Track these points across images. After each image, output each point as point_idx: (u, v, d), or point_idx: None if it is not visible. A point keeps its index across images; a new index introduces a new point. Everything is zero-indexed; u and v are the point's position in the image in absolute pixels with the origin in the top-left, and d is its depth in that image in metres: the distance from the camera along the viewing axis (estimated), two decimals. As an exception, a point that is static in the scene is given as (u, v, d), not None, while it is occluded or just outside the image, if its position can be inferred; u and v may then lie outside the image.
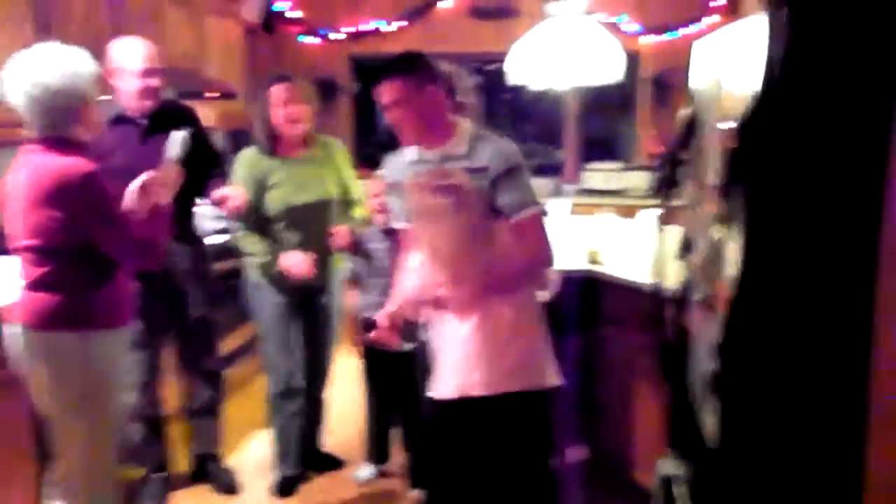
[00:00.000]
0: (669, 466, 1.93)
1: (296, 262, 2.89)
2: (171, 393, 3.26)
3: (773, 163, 1.27)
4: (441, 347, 2.20)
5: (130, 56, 2.76)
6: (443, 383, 2.16)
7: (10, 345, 2.25)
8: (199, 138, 2.98)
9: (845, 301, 1.30)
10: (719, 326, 1.40)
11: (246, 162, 2.99)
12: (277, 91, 2.89)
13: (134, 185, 2.31)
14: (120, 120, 2.81)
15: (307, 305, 3.12)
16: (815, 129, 1.26)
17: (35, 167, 2.11)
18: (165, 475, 3.18)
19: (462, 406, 2.13)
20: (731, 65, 1.49)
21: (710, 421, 1.45)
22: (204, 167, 3.04)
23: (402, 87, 2.14)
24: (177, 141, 2.49)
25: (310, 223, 3.00)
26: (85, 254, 2.17)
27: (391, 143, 2.48)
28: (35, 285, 2.18)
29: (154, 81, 2.80)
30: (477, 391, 2.10)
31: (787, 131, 1.26)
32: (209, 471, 3.27)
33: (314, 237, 3.00)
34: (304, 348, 3.16)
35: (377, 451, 3.32)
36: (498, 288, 2.11)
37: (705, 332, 1.53)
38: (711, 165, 1.58)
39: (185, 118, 2.97)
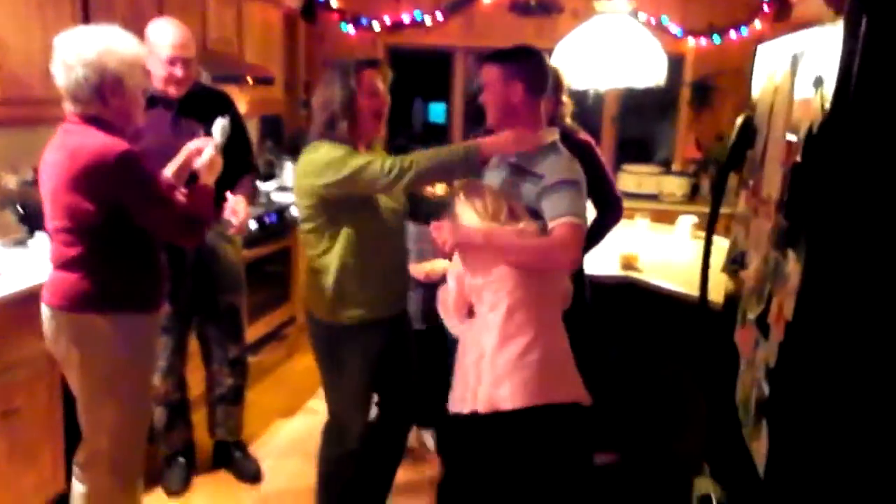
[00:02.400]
0: (706, 486, 1.87)
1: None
2: (195, 378, 3.25)
3: (844, 181, 1.20)
4: (467, 360, 2.14)
5: (160, 42, 2.72)
6: (471, 397, 2.10)
7: (44, 324, 2.24)
8: (235, 125, 2.86)
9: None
10: (774, 350, 1.33)
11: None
12: (371, 77, 2.33)
13: (174, 163, 2.36)
14: (151, 102, 2.69)
15: (402, 343, 2.61)
16: (889, 149, 1.18)
17: (69, 148, 2.08)
18: (188, 460, 3.18)
19: (490, 420, 2.07)
20: (801, 75, 1.42)
21: (758, 447, 1.39)
22: (237, 156, 2.95)
23: (497, 72, 2.22)
24: (218, 127, 2.45)
25: (399, 238, 2.55)
26: (115, 236, 2.14)
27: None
28: (64, 266, 2.16)
29: (180, 70, 2.75)
30: (507, 405, 2.03)
31: (860, 147, 1.19)
32: (232, 458, 3.27)
33: (403, 253, 2.59)
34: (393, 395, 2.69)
35: None
36: (507, 254, 2.07)
37: (757, 354, 1.47)
38: (771, 178, 1.51)
39: (217, 103, 2.95)
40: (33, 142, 2.26)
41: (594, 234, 2.77)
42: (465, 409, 2.10)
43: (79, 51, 2.07)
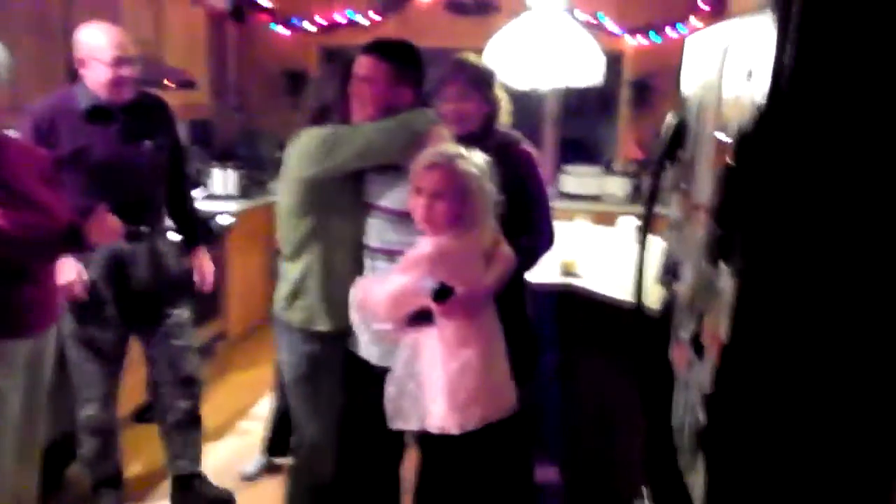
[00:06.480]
0: (645, 511, 1.75)
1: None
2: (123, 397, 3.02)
3: (779, 185, 1.07)
4: (433, 378, 1.99)
5: (100, 43, 2.55)
6: (464, 413, 1.97)
7: None
8: (174, 142, 2.87)
9: (863, 356, 1.10)
10: (709, 374, 1.20)
11: None
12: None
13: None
14: (97, 113, 2.59)
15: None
16: (828, 148, 1.06)
17: None
18: (119, 489, 2.96)
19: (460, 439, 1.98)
20: (730, 68, 1.30)
21: (695, 480, 1.26)
22: (176, 176, 2.90)
23: (386, 70, 2.12)
24: None
25: None
26: None
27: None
28: None
29: (127, 71, 2.58)
30: (474, 425, 1.96)
31: (795, 149, 1.06)
32: (195, 490, 2.97)
33: None
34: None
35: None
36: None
37: (692, 375, 1.34)
38: (703, 182, 1.39)
39: (161, 112, 2.82)
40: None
41: (525, 260, 2.48)
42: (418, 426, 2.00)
43: None
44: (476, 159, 1.99)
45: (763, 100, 1.05)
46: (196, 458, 3.00)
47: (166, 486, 3.11)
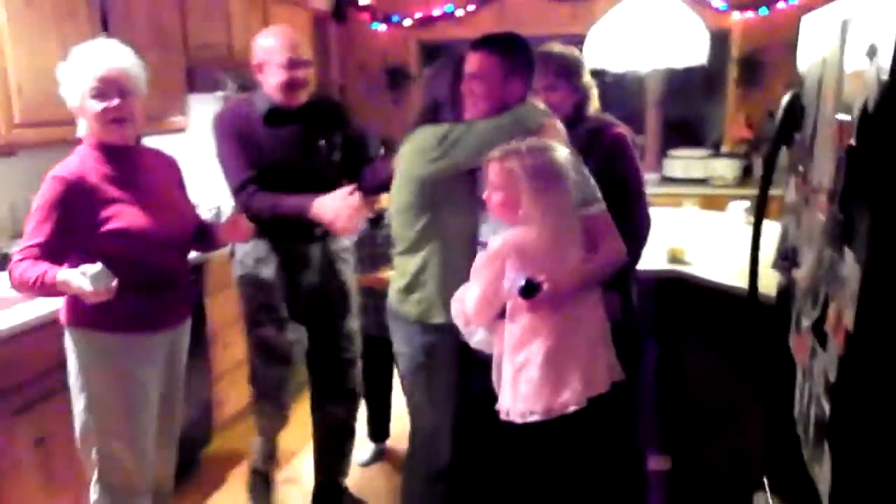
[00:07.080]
0: None
1: None
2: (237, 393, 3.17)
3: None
4: (503, 367, 2.00)
5: (273, 46, 2.55)
6: (525, 403, 1.95)
7: None
8: (351, 142, 2.79)
9: None
10: (834, 363, 1.16)
11: None
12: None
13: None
14: (274, 116, 2.60)
15: None
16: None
17: None
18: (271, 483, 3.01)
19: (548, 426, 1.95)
20: (851, 44, 1.24)
21: (820, 472, 1.22)
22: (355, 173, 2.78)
23: (497, 64, 2.11)
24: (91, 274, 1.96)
25: None
26: (67, 255, 2.08)
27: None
28: None
29: (301, 73, 2.56)
30: (538, 417, 1.93)
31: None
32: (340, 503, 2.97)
33: None
34: None
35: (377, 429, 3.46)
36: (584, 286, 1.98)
37: (814, 364, 1.29)
38: (822, 164, 1.33)
39: (336, 113, 2.80)
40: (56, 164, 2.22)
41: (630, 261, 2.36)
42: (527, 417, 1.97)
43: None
44: (556, 155, 1.95)
45: (888, 76, 1.00)
46: (343, 471, 2.99)
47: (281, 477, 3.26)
